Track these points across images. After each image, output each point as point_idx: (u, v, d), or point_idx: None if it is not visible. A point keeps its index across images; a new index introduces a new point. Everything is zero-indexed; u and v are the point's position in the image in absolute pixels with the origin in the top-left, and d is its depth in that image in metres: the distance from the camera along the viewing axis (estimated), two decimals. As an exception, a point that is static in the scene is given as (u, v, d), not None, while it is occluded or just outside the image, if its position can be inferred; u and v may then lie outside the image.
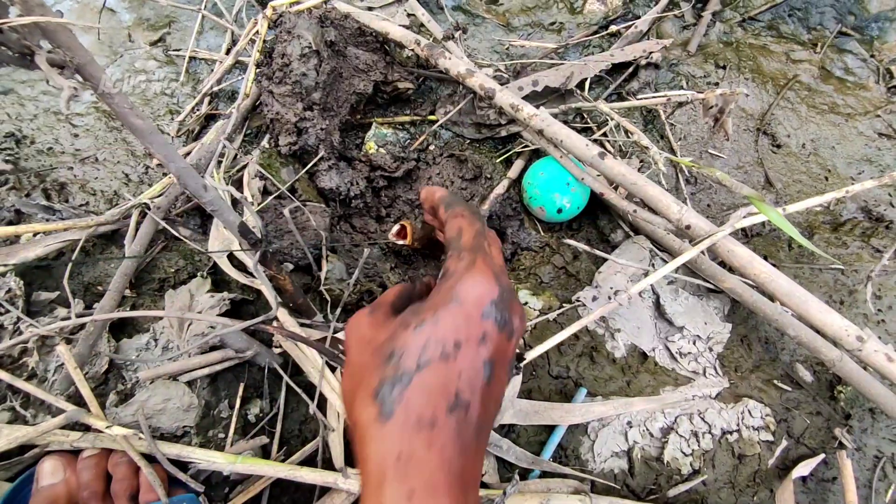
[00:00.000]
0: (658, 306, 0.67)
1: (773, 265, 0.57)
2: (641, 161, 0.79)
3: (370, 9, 0.84)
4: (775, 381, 0.66)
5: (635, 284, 0.58)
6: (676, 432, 0.59)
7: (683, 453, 0.58)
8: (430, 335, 0.26)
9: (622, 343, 0.64)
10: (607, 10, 0.90)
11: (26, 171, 0.73)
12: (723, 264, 0.67)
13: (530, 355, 0.54)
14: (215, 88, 0.80)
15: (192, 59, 0.83)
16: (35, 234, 0.61)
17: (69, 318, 0.55)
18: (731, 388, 0.64)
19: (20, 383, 0.52)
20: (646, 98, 0.74)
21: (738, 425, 0.61)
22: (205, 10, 0.86)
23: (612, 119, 0.67)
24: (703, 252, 0.68)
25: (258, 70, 0.70)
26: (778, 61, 0.92)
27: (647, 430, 0.59)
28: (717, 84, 0.88)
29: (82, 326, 0.55)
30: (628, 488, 0.57)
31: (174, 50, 0.84)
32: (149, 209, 0.64)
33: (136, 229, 0.63)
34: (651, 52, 0.84)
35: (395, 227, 0.53)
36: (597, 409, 0.57)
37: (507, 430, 0.56)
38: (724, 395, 0.63)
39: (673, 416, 0.60)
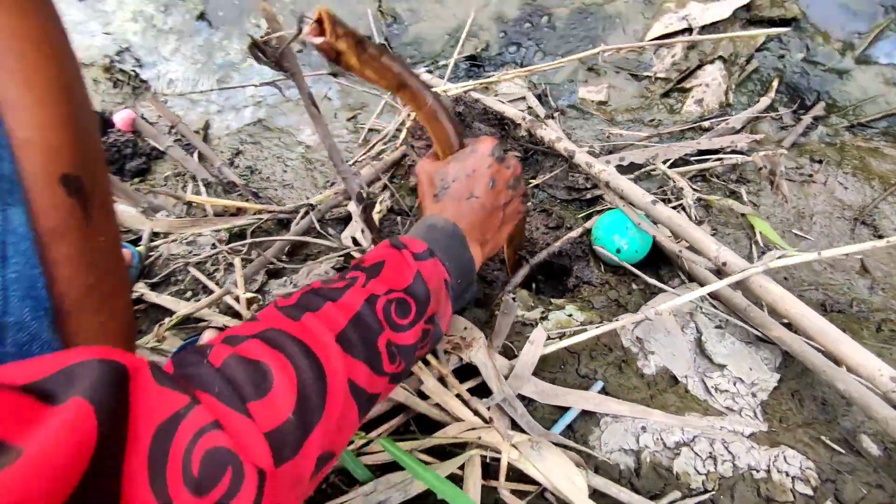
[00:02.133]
0: (700, 343, 0.70)
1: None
2: (713, 228, 0.86)
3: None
4: (827, 441, 0.63)
5: (665, 304, 0.65)
6: (692, 448, 0.61)
7: (697, 471, 0.59)
8: (460, 166, 0.55)
9: (654, 364, 0.69)
10: (703, 111, 1.03)
11: (251, 188, 1.09)
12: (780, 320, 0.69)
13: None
14: (382, 149, 1.11)
15: (370, 130, 1.17)
16: (240, 211, 0.93)
17: (249, 256, 0.83)
18: (770, 434, 0.63)
19: (206, 280, 0.79)
20: (702, 163, 0.84)
21: (768, 466, 0.60)
22: (385, 98, 1.21)
23: (672, 181, 0.79)
24: (755, 304, 0.71)
25: (408, 134, 0.99)
26: (891, 163, 0.93)
27: (661, 439, 0.62)
28: (810, 176, 0.92)
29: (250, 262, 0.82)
30: (632, 487, 0.59)
31: (360, 124, 1.19)
32: (312, 208, 0.92)
33: (300, 220, 0.91)
34: (739, 144, 0.93)
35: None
36: (612, 405, 0.63)
37: (526, 404, 0.64)
38: (758, 436, 0.63)
39: (692, 434, 0.62)
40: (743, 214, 0.86)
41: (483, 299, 0.78)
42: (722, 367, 0.68)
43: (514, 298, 0.74)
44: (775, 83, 1.04)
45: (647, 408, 0.63)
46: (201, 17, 1.44)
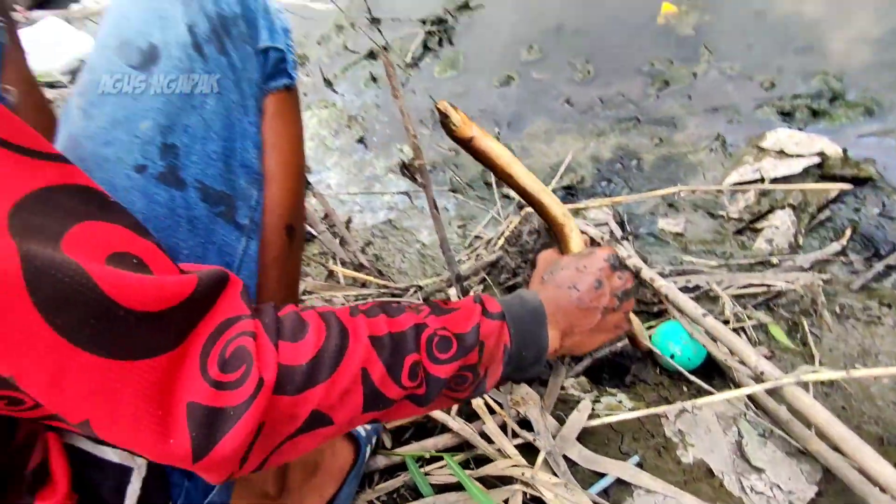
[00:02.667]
0: (740, 446, 0.77)
1: None
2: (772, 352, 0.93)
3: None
4: (860, 558, 0.65)
5: (704, 399, 0.75)
6: (717, 532, 0.67)
7: (720, 554, 0.65)
8: (574, 260, 0.59)
9: (692, 455, 0.76)
10: (773, 250, 1.14)
11: (376, 268, 1.37)
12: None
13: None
14: (483, 252, 1.34)
15: (475, 237, 1.42)
16: (365, 285, 1.18)
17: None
18: (802, 540, 0.67)
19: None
20: (749, 284, 0.94)
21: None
22: (490, 212, 1.47)
23: (724, 300, 0.90)
24: (799, 420, 0.78)
25: (506, 241, 1.21)
26: (968, 317, 0.95)
27: (690, 519, 0.69)
28: (878, 318, 0.97)
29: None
30: (656, 556, 0.66)
31: (468, 231, 1.45)
32: (420, 289, 1.15)
33: (409, 297, 1.14)
34: (803, 281, 1.02)
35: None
36: (647, 480, 0.72)
37: (569, 466, 0.75)
38: (789, 538, 0.67)
39: (720, 521, 0.68)
40: (764, 324, 0.93)
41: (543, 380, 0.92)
42: (760, 470, 0.74)
43: (573, 376, 0.87)
44: (848, 232, 1.13)
45: (681, 491, 0.71)
46: (360, 140, 1.87)
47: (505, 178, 0.60)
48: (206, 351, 0.36)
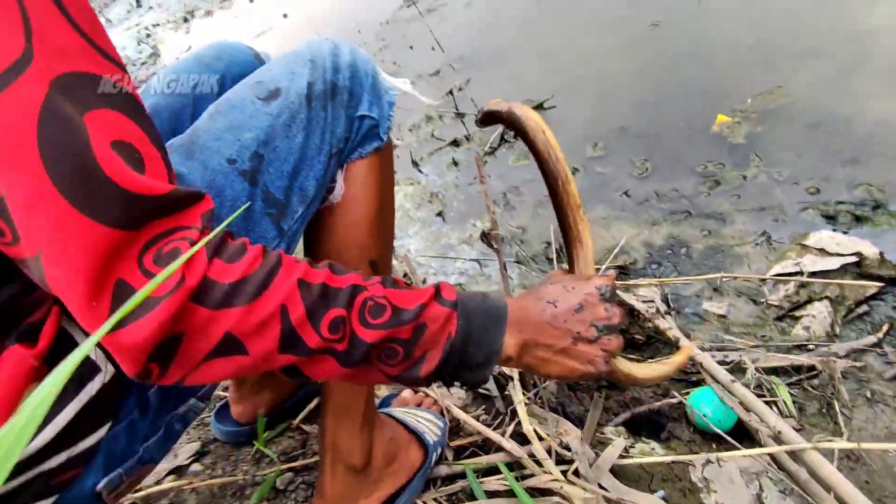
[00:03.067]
0: (759, 498, 0.87)
1: None
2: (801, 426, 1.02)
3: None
4: None
5: (727, 453, 0.87)
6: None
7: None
8: (569, 279, 0.59)
9: (714, 500, 0.87)
10: (810, 336, 1.24)
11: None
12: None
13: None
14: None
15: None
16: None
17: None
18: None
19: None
20: (784, 361, 1.05)
21: None
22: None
23: (751, 369, 1.02)
24: (819, 483, 0.87)
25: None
26: None
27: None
28: (909, 406, 1.04)
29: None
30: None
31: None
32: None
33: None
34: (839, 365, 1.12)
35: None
36: (669, 513, 0.83)
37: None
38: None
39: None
40: (796, 400, 1.02)
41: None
42: (777, 521, 0.83)
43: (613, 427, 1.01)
44: (886, 327, 1.22)
45: (701, 527, 0.82)
46: (439, 214, 2.15)
47: (540, 156, 0.65)
48: (151, 244, 0.41)
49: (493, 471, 0.91)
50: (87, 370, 0.51)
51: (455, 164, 2.34)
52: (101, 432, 0.54)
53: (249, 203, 0.61)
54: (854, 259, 1.32)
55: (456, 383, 0.56)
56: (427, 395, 1.06)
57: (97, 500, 0.57)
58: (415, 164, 2.43)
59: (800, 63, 2.01)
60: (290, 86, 0.64)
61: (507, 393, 1.05)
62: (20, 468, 0.47)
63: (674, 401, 1.10)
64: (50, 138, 0.37)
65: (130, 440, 0.58)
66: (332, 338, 0.46)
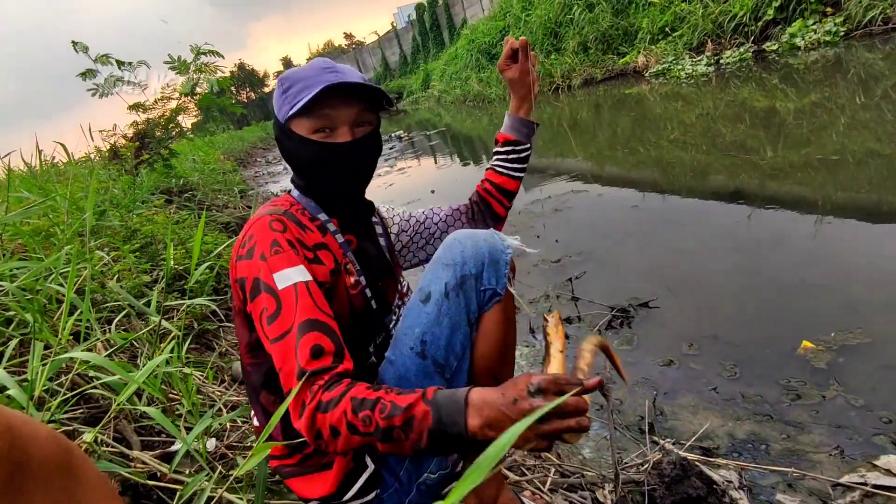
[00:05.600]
0: None
1: None
2: None
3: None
4: None
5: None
6: None
7: None
8: (522, 379, 0.77)
9: None
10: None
11: (547, 461, 1.91)
12: None
13: None
14: (631, 475, 1.82)
15: (625, 464, 1.91)
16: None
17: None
18: None
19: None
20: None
21: None
22: (644, 448, 1.95)
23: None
24: None
25: (652, 465, 1.70)
26: None
27: None
28: None
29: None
30: None
31: (622, 459, 1.94)
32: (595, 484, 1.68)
33: (574, 480, 1.67)
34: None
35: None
36: None
37: None
38: None
39: None
40: None
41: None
42: None
43: None
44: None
45: None
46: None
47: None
48: (319, 387, 0.86)
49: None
50: (358, 469, 1.05)
51: (566, 337, 2.81)
52: (372, 494, 1.05)
53: (424, 370, 1.03)
54: (916, 481, 1.53)
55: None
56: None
57: None
58: (531, 331, 2.94)
59: (879, 311, 2.35)
60: (435, 287, 1.03)
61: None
62: None
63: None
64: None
65: (399, 500, 1.06)
66: (366, 429, 0.81)
